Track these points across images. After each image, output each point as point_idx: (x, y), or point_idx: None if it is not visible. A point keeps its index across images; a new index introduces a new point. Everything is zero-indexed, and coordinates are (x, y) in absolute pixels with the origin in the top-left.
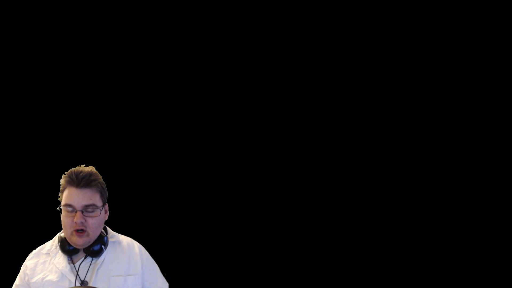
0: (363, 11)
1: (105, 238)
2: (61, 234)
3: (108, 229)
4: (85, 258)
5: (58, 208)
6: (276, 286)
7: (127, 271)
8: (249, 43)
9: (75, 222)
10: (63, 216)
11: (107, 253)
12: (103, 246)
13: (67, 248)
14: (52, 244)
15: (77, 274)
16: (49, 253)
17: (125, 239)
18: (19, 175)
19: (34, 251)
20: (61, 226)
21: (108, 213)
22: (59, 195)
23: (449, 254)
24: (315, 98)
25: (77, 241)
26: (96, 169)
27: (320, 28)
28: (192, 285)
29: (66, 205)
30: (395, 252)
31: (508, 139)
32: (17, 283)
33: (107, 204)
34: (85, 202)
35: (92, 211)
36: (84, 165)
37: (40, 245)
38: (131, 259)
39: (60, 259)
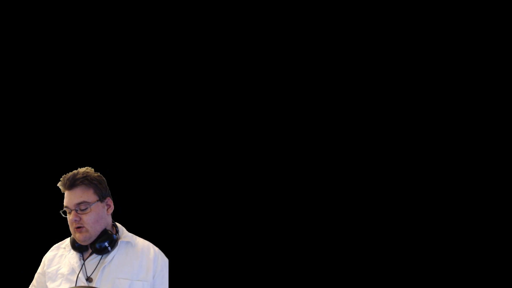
0: (363, 11)
1: (114, 236)
2: None
3: (122, 228)
4: (90, 255)
5: (61, 211)
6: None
7: (135, 275)
8: (249, 43)
9: (71, 221)
10: (67, 217)
11: (116, 253)
12: (108, 244)
13: (75, 245)
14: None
15: (82, 269)
16: (65, 248)
17: (141, 242)
18: (34, 176)
19: (55, 244)
20: None
21: (112, 207)
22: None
23: (449, 254)
24: (314, 98)
25: (78, 237)
26: (101, 169)
27: (320, 28)
28: (194, 285)
29: (65, 207)
30: (395, 252)
31: (508, 139)
32: (38, 271)
33: (109, 198)
34: (76, 201)
35: (84, 208)
36: (80, 168)
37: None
38: (143, 264)
39: (74, 255)
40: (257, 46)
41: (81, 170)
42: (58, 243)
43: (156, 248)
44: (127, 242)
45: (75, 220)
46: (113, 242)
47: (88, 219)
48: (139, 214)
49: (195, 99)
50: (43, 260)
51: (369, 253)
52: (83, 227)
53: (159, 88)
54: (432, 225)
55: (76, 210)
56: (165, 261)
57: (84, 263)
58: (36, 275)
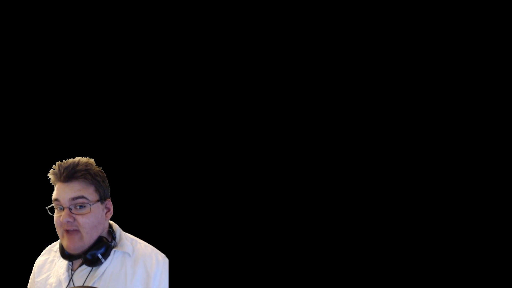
0: (363, 11)
1: (109, 245)
2: None
3: (120, 234)
4: (80, 265)
5: (46, 208)
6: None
7: None
8: (249, 43)
9: (62, 222)
10: (54, 216)
11: (110, 264)
12: (102, 255)
13: (65, 253)
14: None
15: (69, 283)
16: (57, 252)
17: (141, 250)
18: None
19: (48, 247)
20: None
21: (111, 211)
22: (53, 193)
23: (449, 254)
24: (315, 99)
25: (68, 245)
26: (99, 163)
27: (320, 28)
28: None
29: (54, 201)
30: (395, 253)
31: (508, 139)
32: (31, 277)
33: (109, 200)
34: (72, 194)
35: (82, 207)
36: (79, 157)
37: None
38: (140, 278)
39: (62, 262)
40: (257, 46)
41: (82, 160)
42: (51, 245)
43: (160, 256)
44: (124, 252)
45: (68, 221)
46: (108, 252)
47: (85, 222)
48: (136, 211)
49: (194, 97)
50: (34, 265)
51: (369, 254)
52: (77, 231)
53: (156, 84)
54: (433, 226)
55: (70, 208)
56: (166, 268)
57: (72, 275)
58: (30, 281)
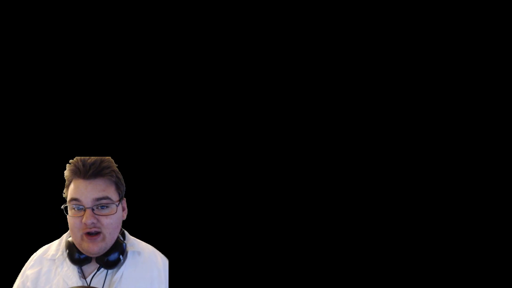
0: (363, 12)
1: (124, 245)
2: (70, 238)
3: (127, 234)
4: (97, 270)
5: (62, 207)
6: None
7: None
8: (249, 43)
9: (85, 223)
10: (69, 217)
11: (125, 266)
12: (121, 255)
13: (76, 257)
14: (58, 248)
15: None
16: (54, 260)
17: (146, 249)
18: (22, 169)
19: (35, 256)
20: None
21: (126, 210)
22: (64, 190)
23: (449, 255)
24: (315, 99)
25: (90, 248)
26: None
27: (320, 28)
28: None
29: (73, 200)
30: (395, 253)
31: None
32: None
33: (124, 199)
34: (97, 195)
35: (106, 207)
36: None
37: (42, 246)
38: (155, 276)
39: (69, 271)
40: (257, 46)
41: (105, 157)
42: (39, 254)
43: (160, 253)
44: (134, 252)
45: (91, 222)
46: (124, 252)
47: (109, 223)
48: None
49: (196, 99)
50: (21, 281)
51: (369, 254)
52: (100, 233)
53: (159, 85)
54: (433, 226)
55: (93, 209)
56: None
57: (88, 282)
58: None
